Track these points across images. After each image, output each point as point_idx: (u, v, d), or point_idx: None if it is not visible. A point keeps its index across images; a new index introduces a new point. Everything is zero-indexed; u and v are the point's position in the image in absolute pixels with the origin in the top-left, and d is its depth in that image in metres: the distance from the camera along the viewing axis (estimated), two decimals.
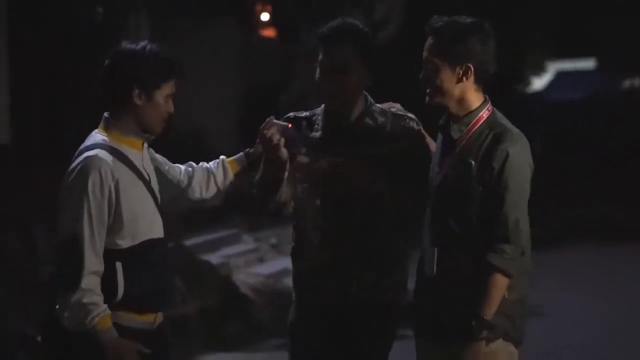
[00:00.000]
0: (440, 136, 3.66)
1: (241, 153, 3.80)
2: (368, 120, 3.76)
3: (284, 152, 3.62)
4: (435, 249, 3.54)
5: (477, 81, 3.54)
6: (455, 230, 3.50)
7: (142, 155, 3.50)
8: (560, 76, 23.72)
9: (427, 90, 3.55)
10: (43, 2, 9.52)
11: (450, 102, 3.54)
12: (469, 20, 3.56)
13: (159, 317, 3.53)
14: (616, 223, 13.49)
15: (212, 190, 3.73)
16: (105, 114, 3.49)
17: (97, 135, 3.46)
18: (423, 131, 3.83)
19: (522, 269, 3.50)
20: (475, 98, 3.56)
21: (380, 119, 3.78)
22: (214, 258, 9.80)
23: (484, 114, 3.55)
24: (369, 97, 3.82)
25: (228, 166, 3.74)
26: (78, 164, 3.37)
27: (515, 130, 3.54)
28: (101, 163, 3.35)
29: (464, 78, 3.51)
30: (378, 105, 3.83)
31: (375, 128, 3.75)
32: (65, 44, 9.94)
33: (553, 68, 23.71)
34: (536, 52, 20.29)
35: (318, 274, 3.73)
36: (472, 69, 3.50)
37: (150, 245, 3.44)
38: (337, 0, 14.77)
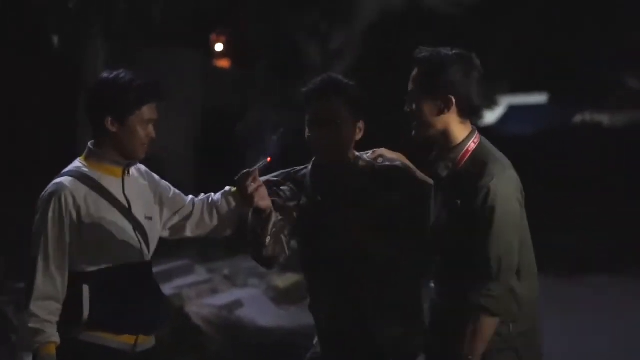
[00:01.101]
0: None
1: None
2: (356, 179, 3.70)
3: (267, 203, 3.57)
4: (436, 281, 3.53)
5: (461, 113, 3.44)
6: (451, 269, 3.45)
7: (124, 182, 3.55)
8: (512, 110, 24.02)
9: (413, 124, 3.50)
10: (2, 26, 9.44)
11: (435, 135, 3.47)
12: (453, 51, 3.47)
13: (144, 341, 3.58)
14: (569, 252, 13.59)
15: (215, 219, 3.74)
16: (89, 144, 3.59)
17: (75, 163, 3.56)
18: (412, 169, 3.78)
19: (514, 305, 3.39)
20: (459, 130, 3.46)
21: (368, 177, 3.72)
22: (166, 289, 9.67)
23: (470, 146, 3.45)
24: (355, 153, 3.77)
25: (231, 197, 3.74)
26: (45, 191, 3.49)
27: (500, 163, 3.43)
28: (64, 190, 3.45)
29: (445, 110, 3.43)
30: (364, 156, 3.78)
31: (365, 186, 3.70)
32: (24, 72, 9.88)
33: (505, 102, 23.99)
34: (489, 87, 20.52)
35: (338, 334, 3.73)
36: (454, 100, 3.42)
37: (121, 269, 3.49)
38: (294, 29, 14.85)
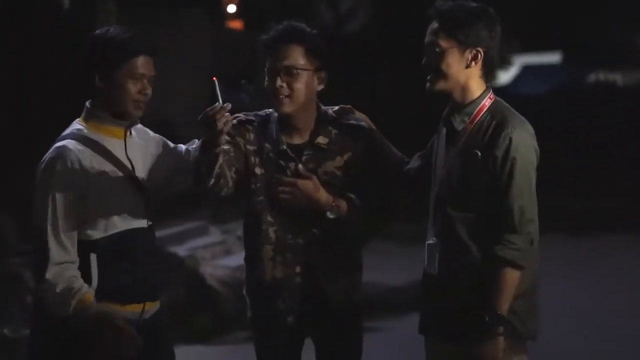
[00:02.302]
0: (443, 129, 3.56)
1: None
2: (323, 135, 3.70)
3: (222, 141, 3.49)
4: (439, 244, 3.48)
5: (483, 69, 3.45)
6: (460, 224, 3.42)
7: (126, 143, 3.44)
8: (526, 70, 23.84)
9: (429, 77, 3.46)
10: None
11: (453, 88, 3.45)
12: (475, 4, 3.46)
13: (150, 307, 3.49)
14: (584, 214, 13.59)
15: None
16: (87, 103, 3.46)
17: (74, 125, 3.43)
18: (373, 129, 3.79)
19: (531, 259, 3.40)
20: (477, 86, 3.46)
21: (335, 132, 3.72)
22: (180, 250, 9.72)
23: (486, 102, 3.46)
24: (322, 106, 3.76)
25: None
26: (47, 155, 3.35)
27: (519, 117, 3.45)
28: (68, 154, 3.31)
29: (473, 63, 3.43)
30: (330, 111, 3.76)
31: (330, 143, 3.69)
32: (33, 35, 9.83)
33: (519, 62, 23.81)
34: (502, 47, 20.35)
35: (277, 290, 3.66)
36: (482, 53, 3.42)
37: (127, 236, 3.39)
38: None
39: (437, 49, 3.42)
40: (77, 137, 3.36)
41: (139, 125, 3.57)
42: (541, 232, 3.46)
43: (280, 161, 3.66)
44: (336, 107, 3.80)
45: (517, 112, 3.46)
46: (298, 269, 3.64)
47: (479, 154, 3.39)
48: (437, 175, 3.53)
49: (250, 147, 3.68)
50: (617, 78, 22.59)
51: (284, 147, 3.67)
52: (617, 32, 23.27)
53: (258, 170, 3.67)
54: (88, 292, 3.30)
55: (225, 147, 3.52)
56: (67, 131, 3.41)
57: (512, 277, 3.34)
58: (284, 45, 3.59)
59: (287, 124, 3.69)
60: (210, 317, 8.57)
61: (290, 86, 3.59)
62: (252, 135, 3.70)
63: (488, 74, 3.48)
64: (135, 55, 3.37)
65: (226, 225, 11.23)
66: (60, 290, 3.27)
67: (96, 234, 3.36)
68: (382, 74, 14.52)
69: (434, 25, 3.44)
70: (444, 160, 3.51)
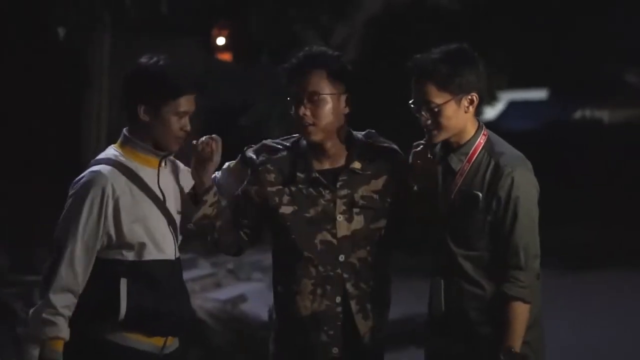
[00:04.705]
0: (440, 167, 3.54)
1: None
2: (354, 160, 3.60)
3: (204, 181, 3.47)
4: (442, 282, 3.47)
5: (476, 110, 3.47)
6: (465, 261, 3.41)
7: (159, 173, 3.42)
8: (512, 106, 24.00)
9: (427, 131, 3.44)
10: (6, 19, 9.42)
11: (454, 135, 3.45)
12: (454, 49, 3.44)
13: (171, 342, 3.42)
14: (567, 247, 13.60)
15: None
16: (124, 130, 3.44)
17: (110, 150, 3.41)
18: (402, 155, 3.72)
19: (537, 291, 3.43)
20: (472, 125, 3.48)
21: (367, 156, 3.62)
22: None
23: (481, 139, 3.46)
24: (352, 133, 3.66)
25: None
26: (82, 177, 3.33)
27: (515, 152, 3.46)
28: (102, 180, 3.28)
29: (470, 107, 3.43)
30: (359, 136, 3.68)
31: (363, 167, 3.60)
32: (29, 61, 9.85)
33: (505, 98, 23.95)
34: (489, 83, 20.46)
35: (317, 323, 3.57)
36: (477, 97, 3.43)
37: (157, 265, 3.35)
38: (296, 23, 14.82)
39: (432, 106, 3.41)
40: (113, 163, 3.34)
41: (173, 159, 3.56)
42: None
43: (312, 189, 3.57)
44: (363, 132, 3.72)
45: (511, 146, 3.48)
46: (339, 300, 3.56)
47: (480, 195, 3.40)
48: (436, 211, 3.52)
49: (272, 189, 3.59)
50: (604, 115, 22.77)
51: (315, 174, 3.56)
52: (605, 69, 23.44)
53: (286, 210, 3.57)
54: (62, 338, 3.24)
55: (222, 203, 3.50)
56: (103, 156, 3.39)
57: (522, 313, 3.37)
58: (305, 72, 3.50)
59: (317, 150, 3.59)
60: (200, 350, 8.51)
61: (314, 113, 3.51)
62: (273, 176, 3.61)
63: (477, 111, 3.52)
64: (183, 93, 3.36)
65: (216, 258, 11.20)
66: (46, 316, 3.22)
67: (130, 255, 3.32)
68: (371, 108, 14.56)
69: (422, 82, 3.41)
70: (444, 198, 3.50)
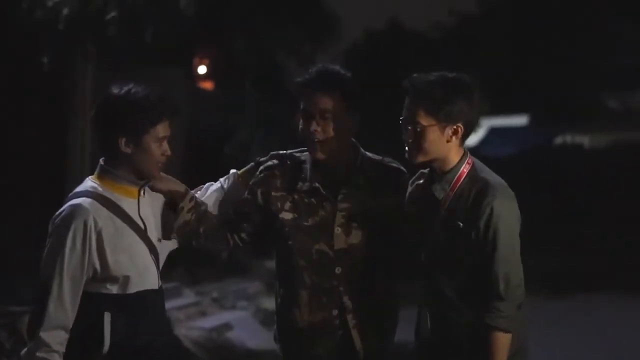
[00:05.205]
0: (422, 193, 3.56)
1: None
2: (360, 176, 3.63)
3: (169, 189, 3.53)
4: (428, 309, 3.48)
5: (462, 139, 3.46)
6: (449, 287, 3.42)
7: (139, 203, 3.39)
8: (493, 132, 24.10)
9: (408, 148, 3.46)
10: None
11: (434, 161, 3.46)
12: (452, 76, 3.44)
13: None
14: (549, 272, 13.61)
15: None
16: (101, 161, 3.40)
17: (88, 182, 3.37)
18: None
19: (520, 320, 3.42)
20: (455, 154, 3.46)
21: (373, 173, 3.66)
22: None
23: (465, 168, 3.45)
24: (360, 148, 3.70)
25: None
26: (62, 211, 3.29)
27: (497, 180, 3.44)
28: (84, 213, 3.25)
29: (453, 137, 3.42)
30: (369, 154, 3.71)
31: (367, 184, 3.63)
32: (12, 88, 9.84)
33: (486, 124, 24.07)
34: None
35: (313, 334, 3.60)
36: (462, 128, 3.42)
37: (142, 296, 3.33)
38: (277, 51, 14.86)
39: (417, 126, 3.42)
40: (93, 195, 3.30)
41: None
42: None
43: (313, 199, 3.59)
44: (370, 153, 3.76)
45: (495, 175, 3.47)
46: (335, 312, 3.58)
47: (461, 225, 3.40)
48: (422, 240, 3.53)
49: (277, 193, 3.61)
50: (584, 140, 22.88)
51: (316, 184, 3.59)
52: (585, 94, 23.61)
53: (286, 215, 3.60)
54: None
55: (237, 209, 3.56)
56: (81, 188, 3.35)
57: (503, 342, 3.36)
58: (318, 89, 3.53)
59: (322, 164, 3.60)
60: None
61: (324, 130, 3.53)
62: (279, 181, 3.63)
63: (466, 140, 3.50)
64: (161, 120, 3.35)
65: (200, 287, 11.16)
66: (41, 354, 3.21)
67: (114, 289, 3.29)
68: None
69: (413, 102, 3.42)
70: (428, 226, 3.51)
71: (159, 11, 8.64)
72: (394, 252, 3.64)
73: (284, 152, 3.74)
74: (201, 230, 3.57)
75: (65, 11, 8.02)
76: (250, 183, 3.65)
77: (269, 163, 3.69)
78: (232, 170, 3.75)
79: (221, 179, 3.73)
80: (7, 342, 7.07)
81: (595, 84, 23.43)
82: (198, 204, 3.58)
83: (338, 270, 3.57)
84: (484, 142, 23.37)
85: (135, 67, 10.26)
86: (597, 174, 18.92)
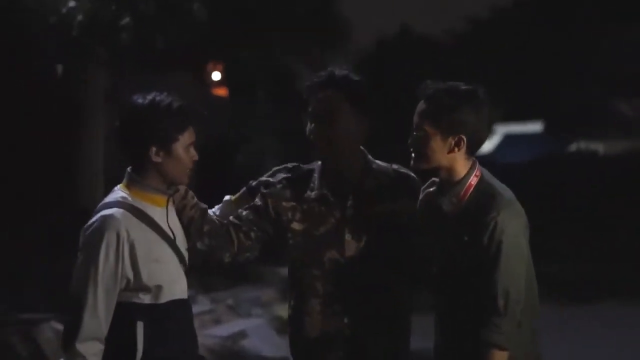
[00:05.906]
0: (431, 204, 3.51)
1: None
2: (370, 182, 3.60)
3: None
4: (441, 321, 3.46)
5: (468, 151, 3.40)
6: (459, 298, 3.38)
7: (167, 212, 3.38)
8: (508, 139, 24.06)
9: (413, 155, 3.43)
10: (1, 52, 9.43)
11: (438, 169, 3.41)
12: (463, 87, 3.39)
13: None
14: (564, 281, 13.57)
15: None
16: (128, 170, 3.38)
17: (118, 192, 3.35)
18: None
19: (520, 341, 3.35)
20: (462, 166, 3.41)
21: (382, 179, 3.62)
22: None
23: (473, 180, 3.40)
24: (368, 155, 3.66)
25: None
26: (94, 222, 3.26)
27: (504, 194, 3.38)
28: (116, 223, 3.23)
29: (456, 149, 3.37)
30: (378, 162, 3.68)
31: (377, 189, 3.59)
32: (24, 95, 9.85)
33: (500, 131, 24.04)
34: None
35: (325, 343, 3.56)
36: (465, 140, 3.37)
37: (172, 306, 3.31)
38: (289, 58, 14.86)
39: (422, 132, 3.39)
40: (124, 205, 3.28)
41: None
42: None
43: (323, 208, 3.59)
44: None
45: (504, 188, 3.42)
46: (346, 320, 3.54)
47: (467, 239, 3.36)
48: (433, 251, 3.50)
49: (287, 204, 3.59)
50: (598, 147, 22.81)
51: (325, 191, 3.57)
52: (599, 101, 23.56)
53: (296, 226, 3.58)
54: None
55: (244, 212, 3.52)
56: (111, 199, 3.32)
57: (499, 359, 3.30)
58: (325, 91, 3.51)
59: (331, 170, 3.60)
60: None
61: (330, 131, 3.51)
62: (289, 192, 3.61)
63: (474, 152, 3.44)
64: (188, 126, 3.34)
65: (215, 294, 11.14)
66: None
67: (147, 298, 3.27)
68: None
69: (422, 107, 3.40)
70: (438, 239, 3.47)
71: (171, 17, 8.63)
72: (406, 259, 3.60)
73: (289, 164, 3.72)
74: (205, 229, 3.54)
75: (79, 17, 8.01)
76: (263, 191, 3.61)
77: (280, 176, 3.66)
78: (226, 197, 3.72)
79: (214, 208, 3.68)
80: (20, 347, 7.06)
81: (609, 90, 23.37)
82: (199, 202, 3.56)
83: (349, 277, 3.53)
84: (498, 149, 23.32)
85: (148, 74, 10.28)
86: (612, 180, 18.85)
